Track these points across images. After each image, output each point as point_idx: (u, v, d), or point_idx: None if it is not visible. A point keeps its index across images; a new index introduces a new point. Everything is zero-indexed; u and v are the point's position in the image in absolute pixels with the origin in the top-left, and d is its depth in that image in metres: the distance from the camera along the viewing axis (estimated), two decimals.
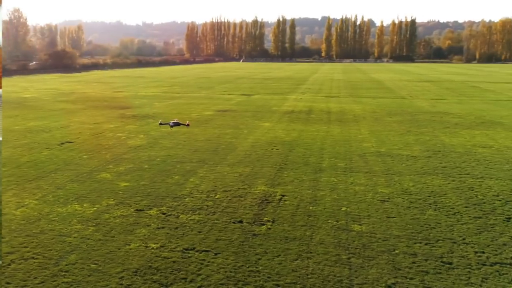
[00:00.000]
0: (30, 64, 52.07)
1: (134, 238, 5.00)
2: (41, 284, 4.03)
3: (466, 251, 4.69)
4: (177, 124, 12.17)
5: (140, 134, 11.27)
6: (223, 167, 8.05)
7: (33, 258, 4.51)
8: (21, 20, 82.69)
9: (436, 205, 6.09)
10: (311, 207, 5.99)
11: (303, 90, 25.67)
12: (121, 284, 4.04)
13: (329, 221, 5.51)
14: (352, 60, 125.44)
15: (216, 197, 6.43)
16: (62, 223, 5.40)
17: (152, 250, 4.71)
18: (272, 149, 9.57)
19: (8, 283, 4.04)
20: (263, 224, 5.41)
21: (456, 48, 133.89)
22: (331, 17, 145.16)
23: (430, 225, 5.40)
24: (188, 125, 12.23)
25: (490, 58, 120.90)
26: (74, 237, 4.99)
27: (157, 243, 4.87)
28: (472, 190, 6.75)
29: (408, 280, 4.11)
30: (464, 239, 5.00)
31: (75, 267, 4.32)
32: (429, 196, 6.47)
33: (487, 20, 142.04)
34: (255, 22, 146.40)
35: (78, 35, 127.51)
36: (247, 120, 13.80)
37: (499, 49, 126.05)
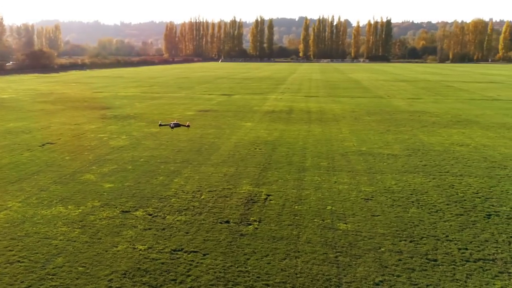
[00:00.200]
0: (7, 64, 50.79)
1: (121, 240, 4.96)
2: None
3: (450, 248, 4.80)
4: (177, 125, 12.07)
5: (122, 134, 11.15)
6: (207, 167, 8.05)
7: (19, 261, 4.43)
8: None
9: (419, 203, 6.22)
10: (296, 207, 6.05)
11: (283, 90, 25.79)
12: (110, 287, 4.00)
13: (315, 220, 5.57)
14: (329, 60, 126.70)
15: (202, 197, 6.43)
16: (47, 226, 5.31)
17: (140, 251, 4.68)
18: (255, 149, 9.60)
19: None
20: (250, 224, 5.43)
21: (430, 48, 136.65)
22: (308, 17, 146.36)
23: (413, 222, 5.51)
24: (188, 125, 12.15)
25: (463, 58, 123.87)
26: (60, 240, 4.92)
27: (145, 245, 4.84)
28: (453, 188, 6.92)
29: (395, 277, 4.20)
30: (447, 236, 5.12)
31: (63, 270, 4.26)
32: (412, 194, 6.60)
33: (460, 21, 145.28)
34: (233, 22, 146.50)
35: (56, 35, 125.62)
36: (229, 120, 13.80)
37: (472, 49, 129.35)
